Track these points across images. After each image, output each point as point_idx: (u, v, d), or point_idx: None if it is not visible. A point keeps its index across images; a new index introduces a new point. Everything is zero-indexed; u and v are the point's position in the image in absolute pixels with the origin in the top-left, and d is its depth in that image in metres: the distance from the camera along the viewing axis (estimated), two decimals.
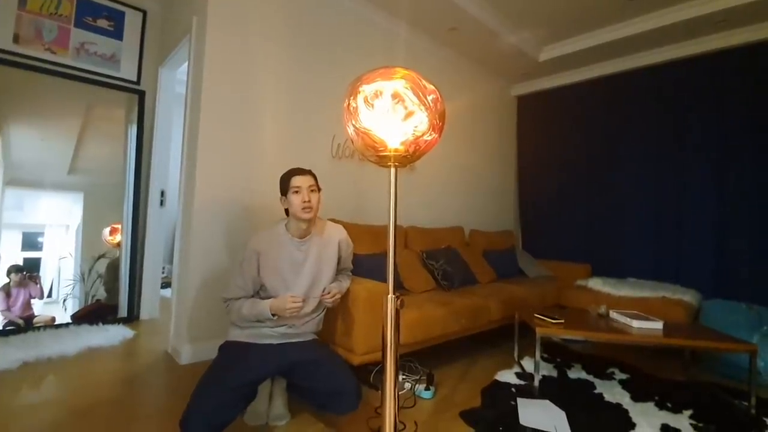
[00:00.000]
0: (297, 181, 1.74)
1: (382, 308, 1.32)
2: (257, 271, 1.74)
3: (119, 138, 3.29)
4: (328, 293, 1.80)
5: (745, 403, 2.08)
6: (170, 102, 3.45)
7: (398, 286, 2.82)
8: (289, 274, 1.75)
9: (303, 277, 1.77)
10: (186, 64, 2.74)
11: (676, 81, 3.82)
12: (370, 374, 2.16)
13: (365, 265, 2.45)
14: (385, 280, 1.34)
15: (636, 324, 2.33)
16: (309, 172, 1.79)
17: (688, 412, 1.99)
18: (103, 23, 3.14)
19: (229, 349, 1.72)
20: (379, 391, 1.33)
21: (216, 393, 1.45)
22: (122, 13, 3.23)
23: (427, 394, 2.07)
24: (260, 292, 1.80)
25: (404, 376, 2.21)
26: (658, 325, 2.31)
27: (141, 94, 3.32)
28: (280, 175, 1.81)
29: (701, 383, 2.43)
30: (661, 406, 2.05)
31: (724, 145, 3.52)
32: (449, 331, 2.49)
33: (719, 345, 2.22)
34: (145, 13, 3.35)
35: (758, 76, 3.38)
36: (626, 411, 1.98)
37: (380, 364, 1.32)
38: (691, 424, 1.87)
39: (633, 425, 1.84)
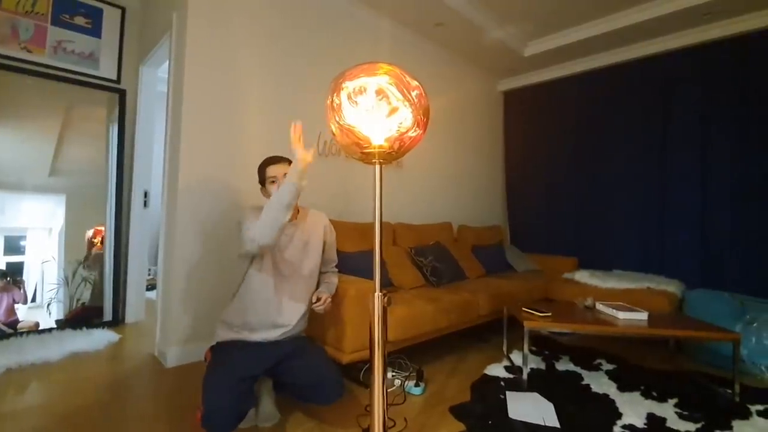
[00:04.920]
0: (272, 170, 1.72)
1: (370, 306, 1.32)
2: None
3: (101, 138, 3.23)
4: (319, 300, 1.79)
5: (729, 391, 2.12)
6: (152, 101, 3.39)
7: (387, 283, 2.82)
8: (275, 252, 1.75)
9: (290, 254, 1.77)
10: (167, 62, 2.70)
11: (661, 74, 3.87)
12: (359, 372, 2.15)
13: (353, 262, 2.45)
14: (373, 277, 1.33)
15: (621, 315, 2.36)
16: (285, 160, 1.75)
17: (673, 401, 2.02)
18: (80, 21, 3.06)
19: (220, 348, 1.71)
20: (369, 389, 1.33)
21: (228, 384, 1.45)
22: (100, 11, 3.16)
23: (416, 391, 2.07)
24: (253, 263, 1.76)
25: (394, 373, 2.21)
26: (643, 315, 2.34)
27: (122, 93, 3.26)
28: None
29: (686, 372, 2.47)
30: (646, 395, 2.09)
31: (708, 137, 3.57)
32: (439, 327, 2.50)
33: (703, 334, 2.25)
34: (123, 9, 3.28)
35: (742, 68, 3.43)
36: (613, 401, 2.01)
37: (369, 362, 1.32)
38: (676, 413, 1.90)
39: (620, 415, 1.87)
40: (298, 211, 1.84)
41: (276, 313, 1.74)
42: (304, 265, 1.82)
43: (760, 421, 1.86)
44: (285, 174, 1.70)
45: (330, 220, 2.00)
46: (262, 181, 1.77)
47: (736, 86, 3.45)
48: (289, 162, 1.78)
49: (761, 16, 3.27)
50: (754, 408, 1.97)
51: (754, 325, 2.52)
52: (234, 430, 1.46)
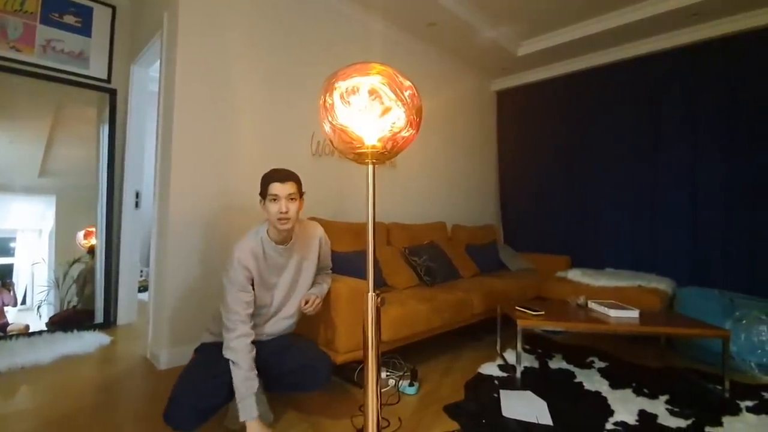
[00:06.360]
0: (275, 188, 1.59)
1: (363, 306, 1.32)
2: (252, 287, 1.65)
3: (91, 138, 3.20)
4: (307, 302, 1.78)
5: (719, 387, 2.15)
6: (143, 100, 3.36)
7: (381, 283, 2.82)
8: (272, 277, 1.73)
9: (284, 279, 1.76)
10: (158, 61, 2.68)
11: (651, 74, 3.90)
12: (353, 372, 2.15)
13: (347, 262, 2.44)
14: (366, 277, 1.33)
15: (613, 313, 2.38)
16: (290, 178, 1.63)
17: (664, 398, 2.04)
18: (70, 19, 3.03)
19: (205, 349, 1.70)
20: (363, 389, 1.33)
21: (197, 381, 1.44)
22: (90, 9, 3.13)
23: (411, 390, 2.07)
24: None
25: (388, 373, 2.21)
26: (635, 313, 2.36)
27: (112, 93, 3.23)
28: (262, 174, 1.70)
29: (676, 369, 2.50)
30: (638, 392, 2.11)
31: (699, 137, 3.61)
32: (432, 326, 2.50)
33: (693, 331, 2.28)
34: (114, 8, 3.25)
35: (730, 68, 3.47)
36: (605, 398, 2.03)
37: (363, 362, 1.32)
38: (667, 409, 1.92)
39: (612, 412, 1.88)
40: (292, 237, 1.74)
41: (262, 327, 1.74)
42: (298, 284, 1.80)
43: (750, 417, 1.88)
44: (288, 194, 1.59)
45: (323, 220, 1.99)
46: (263, 194, 1.63)
47: (727, 86, 3.48)
48: (295, 180, 1.65)
49: (751, 16, 3.31)
50: (743, 404, 2.00)
51: (744, 322, 2.55)
52: (197, 426, 1.41)
